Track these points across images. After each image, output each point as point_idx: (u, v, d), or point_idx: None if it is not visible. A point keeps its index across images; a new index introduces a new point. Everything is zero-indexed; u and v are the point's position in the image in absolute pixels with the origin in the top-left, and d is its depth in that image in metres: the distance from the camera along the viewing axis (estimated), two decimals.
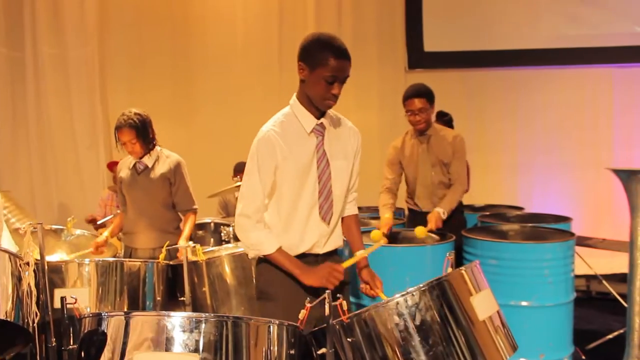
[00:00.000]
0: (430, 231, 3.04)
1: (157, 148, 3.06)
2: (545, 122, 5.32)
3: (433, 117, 3.44)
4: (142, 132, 2.94)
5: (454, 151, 3.27)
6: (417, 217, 3.31)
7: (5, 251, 1.99)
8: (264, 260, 2.03)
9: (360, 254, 2.10)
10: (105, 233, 3.21)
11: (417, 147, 3.32)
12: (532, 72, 5.34)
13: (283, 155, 1.97)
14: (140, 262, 2.69)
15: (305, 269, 1.96)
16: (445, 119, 4.29)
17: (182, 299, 2.69)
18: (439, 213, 3.07)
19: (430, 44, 5.34)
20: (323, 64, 1.90)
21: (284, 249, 1.99)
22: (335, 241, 2.11)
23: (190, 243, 2.75)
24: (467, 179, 3.61)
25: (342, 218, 2.17)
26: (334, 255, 2.12)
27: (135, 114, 2.94)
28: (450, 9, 5.36)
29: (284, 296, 1.97)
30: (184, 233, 3.02)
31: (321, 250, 2.05)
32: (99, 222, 4.23)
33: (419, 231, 2.97)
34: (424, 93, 3.19)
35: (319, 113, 2.02)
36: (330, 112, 2.10)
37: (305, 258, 2.02)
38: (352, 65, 1.93)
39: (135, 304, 2.60)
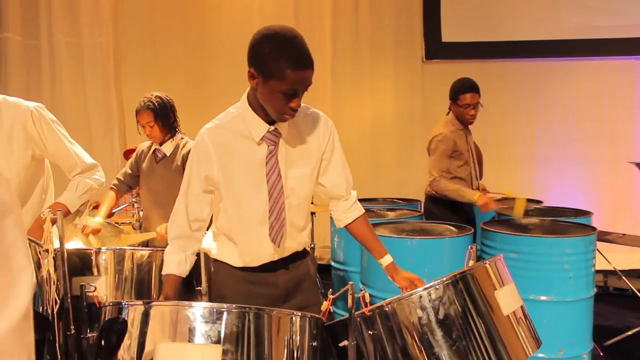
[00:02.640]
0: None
1: (179, 135, 3.03)
2: (564, 115, 5.24)
3: None
4: (161, 115, 2.90)
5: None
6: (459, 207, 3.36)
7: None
8: (216, 260, 1.90)
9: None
10: (98, 218, 3.02)
11: (465, 140, 3.36)
12: (551, 64, 5.25)
13: (221, 167, 1.71)
14: (156, 250, 2.67)
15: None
16: None
17: (198, 288, 2.67)
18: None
19: (448, 35, 5.26)
20: (278, 77, 1.55)
21: (239, 261, 1.81)
22: (295, 247, 1.86)
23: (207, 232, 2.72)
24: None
25: (351, 224, 1.92)
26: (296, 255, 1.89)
27: (156, 96, 2.92)
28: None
29: (237, 300, 1.75)
30: None
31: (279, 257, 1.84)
32: (113, 211, 4.22)
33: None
34: (478, 87, 3.32)
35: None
36: None
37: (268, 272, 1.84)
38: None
39: (151, 293, 2.59)
